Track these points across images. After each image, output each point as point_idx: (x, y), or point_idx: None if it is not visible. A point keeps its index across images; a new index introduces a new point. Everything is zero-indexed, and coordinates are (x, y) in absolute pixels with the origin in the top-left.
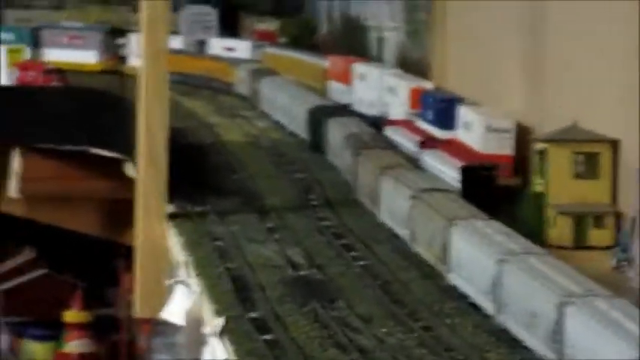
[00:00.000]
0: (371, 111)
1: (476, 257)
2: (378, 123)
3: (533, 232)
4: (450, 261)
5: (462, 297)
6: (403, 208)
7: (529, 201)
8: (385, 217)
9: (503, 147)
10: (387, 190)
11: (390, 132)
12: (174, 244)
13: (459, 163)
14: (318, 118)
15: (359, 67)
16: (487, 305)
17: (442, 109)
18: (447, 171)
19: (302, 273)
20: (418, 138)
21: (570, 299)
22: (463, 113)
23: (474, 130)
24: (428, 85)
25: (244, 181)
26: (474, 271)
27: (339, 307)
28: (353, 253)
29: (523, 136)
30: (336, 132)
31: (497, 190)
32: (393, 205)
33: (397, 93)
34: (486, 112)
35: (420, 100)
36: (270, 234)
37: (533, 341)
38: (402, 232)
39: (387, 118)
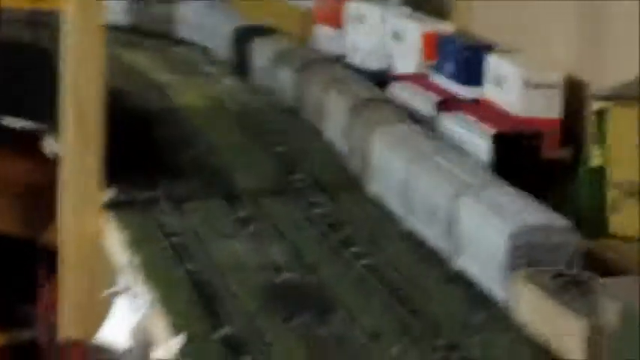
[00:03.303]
0: (371, 63)
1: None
2: (380, 78)
3: (591, 218)
4: (371, 170)
5: (491, 306)
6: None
7: (584, 179)
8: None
9: (549, 108)
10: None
11: (396, 90)
12: (115, 241)
13: (490, 130)
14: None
15: (354, 7)
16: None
17: (466, 59)
18: (474, 140)
19: (287, 276)
20: (435, 97)
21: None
22: (494, 64)
23: (509, 86)
24: (447, 28)
25: (206, 157)
26: (389, 178)
27: (336, 321)
28: (354, 249)
29: (575, 93)
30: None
31: (541, 165)
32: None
33: (406, 39)
34: (525, 62)
35: (436, 48)
36: (243, 226)
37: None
38: (343, 148)
39: (392, 72)
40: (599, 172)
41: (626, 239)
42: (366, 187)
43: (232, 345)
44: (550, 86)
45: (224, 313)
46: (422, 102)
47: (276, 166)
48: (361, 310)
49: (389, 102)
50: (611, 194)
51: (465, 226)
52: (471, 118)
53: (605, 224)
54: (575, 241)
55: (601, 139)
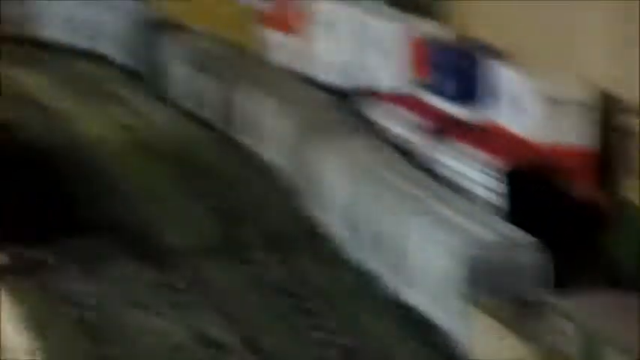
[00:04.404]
0: (341, 79)
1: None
2: (353, 99)
3: (636, 279)
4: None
5: None
6: None
7: (628, 228)
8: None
9: (578, 134)
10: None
11: (377, 113)
12: (6, 319)
13: (502, 164)
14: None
15: (320, 7)
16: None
17: (468, 72)
18: (481, 178)
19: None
20: (428, 122)
21: None
22: (507, 78)
23: (525, 105)
24: (441, 32)
25: (125, 207)
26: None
27: None
28: (313, 321)
29: (610, 115)
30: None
31: (570, 210)
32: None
33: (388, 48)
34: (546, 75)
35: (428, 58)
36: (171, 295)
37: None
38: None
39: (369, 90)
40: None
41: None
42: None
43: None
44: (579, 104)
45: None
46: (410, 128)
47: (214, 217)
48: None
49: (355, 126)
50: None
51: (413, 252)
52: (476, 148)
53: None
54: (540, 260)
55: None
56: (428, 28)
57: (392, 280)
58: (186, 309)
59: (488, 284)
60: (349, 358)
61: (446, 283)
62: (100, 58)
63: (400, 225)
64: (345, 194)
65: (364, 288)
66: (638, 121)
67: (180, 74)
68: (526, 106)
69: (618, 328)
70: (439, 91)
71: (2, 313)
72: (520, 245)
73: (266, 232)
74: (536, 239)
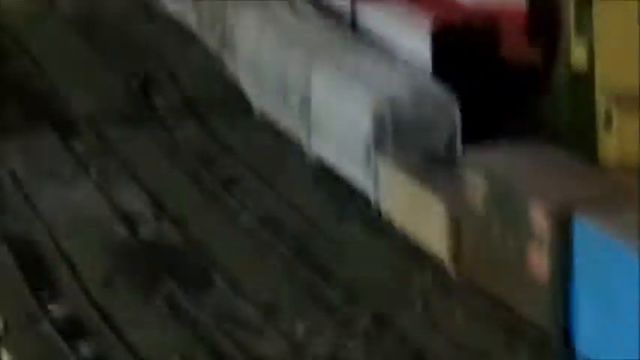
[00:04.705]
0: None
1: None
2: None
3: (573, 139)
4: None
5: None
6: None
7: (563, 88)
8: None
9: None
10: None
11: None
12: None
13: (428, 25)
14: None
15: None
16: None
17: None
18: (407, 40)
19: (146, 233)
20: None
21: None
22: None
23: None
24: None
25: (32, 72)
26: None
27: (215, 290)
28: (229, 187)
29: None
30: None
31: (502, 72)
32: None
33: None
34: None
35: None
36: (82, 165)
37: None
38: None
39: None
40: (584, 80)
41: (622, 166)
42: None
43: (67, 329)
44: None
45: (57, 288)
46: None
47: (129, 85)
48: (248, 272)
49: None
50: (601, 107)
51: (319, 102)
52: (405, 8)
53: (593, 146)
54: (453, 111)
55: (584, 31)
56: None
57: (303, 136)
58: (101, 181)
59: (398, 138)
60: (263, 224)
61: (355, 137)
62: None
63: (306, 78)
64: (252, 47)
65: (276, 147)
66: None
67: None
68: None
69: (525, 179)
70: None
71: None
72: (433, 101)
73: (180, 96)
74: (451, 95)
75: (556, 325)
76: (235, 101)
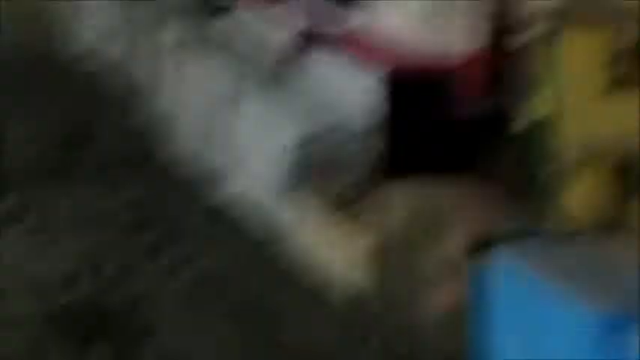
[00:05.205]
0: None
1: None
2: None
3: (535, 195)
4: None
5: None
6: None
7: (525, 137)
8: None
9: (467, 38)
10: None
11: (241, 17)
12: None
13: (382, 72)
14: None
15: None
16: None
17: None
18: (356, 88)
19: (79, 293)
20: (297, 27)
21: None
22: None
23: (408, 9)
24: None
25: None
26: None
27: (151, 352)
28: (176, 252)
29: (505, 15)
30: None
31: (459, 123)
32: None
33: None
34: None
35: None
36: (11, 221)
37: None
38: None
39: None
40: (546, 128)
41: (585, 218)
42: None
43: None
44: (469, 9)
45: None
46: (278, 34)
47: (44, 138)
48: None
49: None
50: (564, 158)
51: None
52: (352, 56)
53: (555, 197)
54: (373, 144)
55: (546, 77)
56: None
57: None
58: (29, 235)
59: (317, 171)
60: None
61: (274, 171)
62: None
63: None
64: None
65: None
66: (535, 18)
67: None
68: (406, 11)
69: (445, 209)
70: None
71: None
72: (355, 135)
73: (105, 153)
74: (374, 130)
75: (471, 355)
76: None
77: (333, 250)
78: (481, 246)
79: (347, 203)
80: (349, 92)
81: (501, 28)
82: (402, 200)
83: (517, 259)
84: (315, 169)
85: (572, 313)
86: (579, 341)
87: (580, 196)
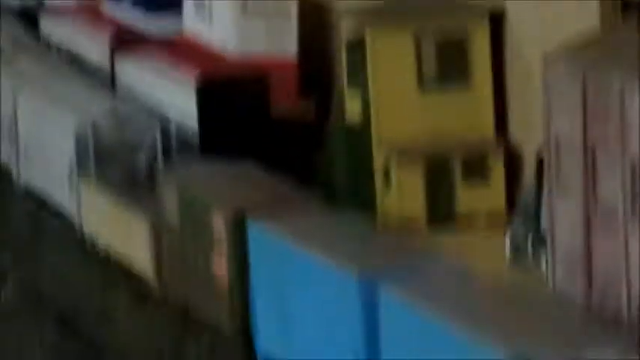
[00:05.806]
0: None
1: None
2: (31, 15)
3: (351, 197)
4: None
5: None
6: None
7: (338, 142)
8: None
9: (278, 42)
10: None
11: (50, 28)
12: None
13: (193, 78)
14: None
15: None
16: None
17: None
18: (167, 94)
19: None
20: (108, 37)
21: None
22: None
23: (218, 14)
24: None
25: None
26: None
27: None
28: None
29: (317, 18)
30: None
31: (273, 127)
32: None
33: None
34: None
35: None
36: None
37: None
38: None
39: (43, 4)
40: (359, 132)
41: (405, 222)
42: None
43: None
44: (279, 13)
45: None
46: (89, 45)
47: None
48: None
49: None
50: (380, 162)
51: (24, 128)
52: (162, 62)
53: (371, 202)
54: (154, 133)
55: (357, 82)
56: None
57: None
58: None
59: (100, 160)
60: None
61: (59, 161)
62: None
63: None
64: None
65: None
66: (342, 20)
67: None
68: (219, 15)
69: (211, 192)
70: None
71: None
72: (135, 123)
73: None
74: (153, 118)
75: (235, 327)
76: None
77: (116, 234)
78: (239, 223)
79: (129, 189)
80: (161, 95)
81: (314, 32)
82: (174, 188)
83: (269, 232)
84: (99, 157)
85: (320, 273)
86: (329, 298)
87: (395, 196)
